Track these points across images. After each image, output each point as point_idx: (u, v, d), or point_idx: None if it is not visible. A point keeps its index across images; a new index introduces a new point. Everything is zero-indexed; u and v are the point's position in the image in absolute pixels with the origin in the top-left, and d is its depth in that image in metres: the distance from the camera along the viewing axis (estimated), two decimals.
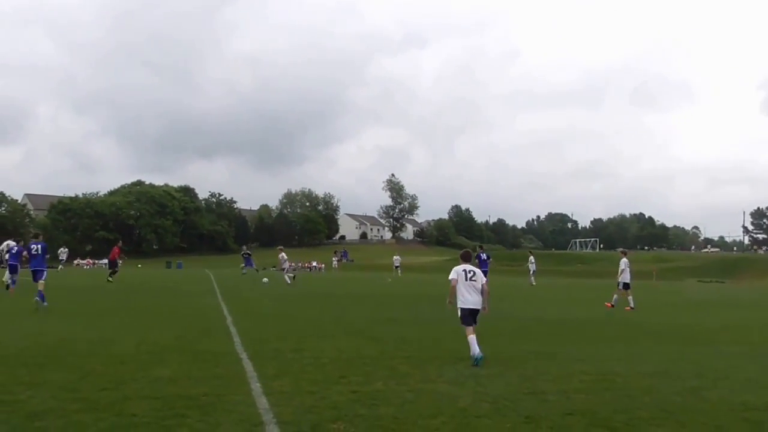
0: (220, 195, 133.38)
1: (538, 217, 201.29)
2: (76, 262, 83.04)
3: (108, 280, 29.93)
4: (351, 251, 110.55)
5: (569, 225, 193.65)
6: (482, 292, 9.37)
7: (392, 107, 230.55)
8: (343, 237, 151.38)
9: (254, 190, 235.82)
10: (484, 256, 28.86)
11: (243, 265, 42.47)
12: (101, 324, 12.75)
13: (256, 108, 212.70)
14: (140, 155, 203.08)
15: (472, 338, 9.10)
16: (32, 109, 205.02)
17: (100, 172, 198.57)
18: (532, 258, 40.96)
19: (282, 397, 6.56)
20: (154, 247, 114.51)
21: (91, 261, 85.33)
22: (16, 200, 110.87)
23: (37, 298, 15.76)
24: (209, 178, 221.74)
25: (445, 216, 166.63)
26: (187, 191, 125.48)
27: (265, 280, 32.75)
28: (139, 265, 73.08)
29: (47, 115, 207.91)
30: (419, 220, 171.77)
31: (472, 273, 9.44)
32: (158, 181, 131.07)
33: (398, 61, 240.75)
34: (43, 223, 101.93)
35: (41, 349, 9.22)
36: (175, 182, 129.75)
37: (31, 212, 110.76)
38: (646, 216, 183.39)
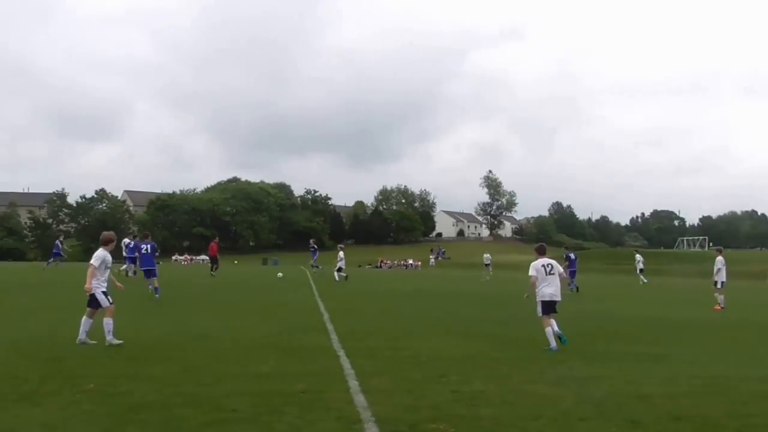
0: (315, 191, 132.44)
1: (643, 214, 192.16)
2: (174, 257, 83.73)
3: (211, 275, 31.10)
4: (448, 249, 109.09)
5: (676, 222, 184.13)
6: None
7: (489, 102, 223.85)
8: (439, 234, 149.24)
9: (349, 187, 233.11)
10: (572, 256, 28.80)
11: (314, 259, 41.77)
12: (200, 319, 13.09)
13: (351, 104, 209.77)
14: (236, 152, 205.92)
15: (549, 330, 9.73)
16: (132, 107, 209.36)
17: (197, 168, 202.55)
18: (638, 256, 39.25)
19: (380, 395, 6.42)
20: (251, 243, 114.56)
21: (189, 257, 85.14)
22: (117, 196, 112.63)
23: (153, 291, 17.88)
24: (304, 174, 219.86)
25: (545, 213, 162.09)
26: (283, 188, 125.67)
27: (280, 274, 33.08)
28: (236, 262, 73.57)
29: (146, 113, 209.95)
30: (518, 218, 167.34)
31: (550, 267, 10.02)
32: (254, 177, 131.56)
33: (495, 54, 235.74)
34: (141, 219, 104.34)
35: (143, 343, 9.51)
36: (271, 179, 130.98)
37: (131, 208, 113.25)
38: (759, 213, 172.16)
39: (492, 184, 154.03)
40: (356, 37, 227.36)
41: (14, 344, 9.16)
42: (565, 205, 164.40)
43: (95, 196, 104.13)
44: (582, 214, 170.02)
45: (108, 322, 9.21)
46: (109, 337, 9.16)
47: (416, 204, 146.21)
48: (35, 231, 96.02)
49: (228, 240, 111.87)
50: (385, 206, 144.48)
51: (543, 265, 9.95)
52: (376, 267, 75.97)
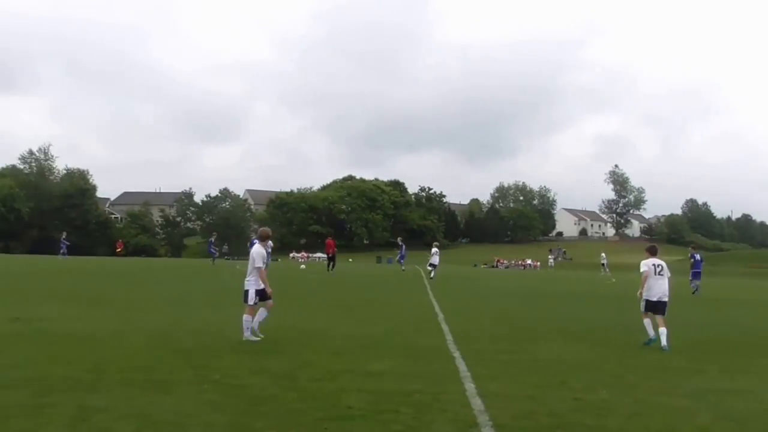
0: (429, 189, 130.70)
1: None
2: (291, 255, 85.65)
3: (329, 272, 31.86)
4: (569, 248, 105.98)
5: None
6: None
7: (610, 94, 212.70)
8: (560, 233, 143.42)
9: (464, 185, 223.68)
10: (698, 256, 27.12)
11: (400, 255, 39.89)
12: (315, 316, 13.36)
13: (466, 99, 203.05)
14: (350, 150, 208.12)
15: (648, 322, 10.18)
16: (252, 109, 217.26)
17: (313, 167, 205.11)
18: None
19: (497, 399, 6.23)
20: (365, 241, 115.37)
21: (306, 254, 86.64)
22: (239, 195, 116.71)
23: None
24: (418, 172, 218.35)
25: (678, 211, 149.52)
26: (397, 185, 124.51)
27: (303, 266, 32.96)
28: (350, 260, 73.82)
29: (265, 115, 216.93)
30: (647, 216, 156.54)
31: (660, 267, 10.32)
32: (368, 175, 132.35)
33: (620, 43, 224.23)
34: (261, 217, 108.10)
35: (262, 338, 9.79)
36: (385, 176, 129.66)
37: (252, 207, 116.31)
38: None
39: (618, 180, 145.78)
40: (471, 30, 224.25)
41: (147, 335, 9.73)
42: (700, 202, 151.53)
43: (219, 195, 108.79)
44: (720, 213, 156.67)
45: (247, 319, 9.47)
46: (247, 334, 9.41)
47: (535, 201, 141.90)
48: (165, 228, 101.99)
49: (343, 238, 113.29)
50: (501, 204, 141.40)
51: (653, 264, 10.29)
52: (492, 267, 75.05)
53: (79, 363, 7.45)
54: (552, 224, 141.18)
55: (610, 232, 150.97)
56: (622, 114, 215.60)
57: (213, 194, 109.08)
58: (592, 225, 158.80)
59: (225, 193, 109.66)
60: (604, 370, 7.99)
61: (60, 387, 6.28)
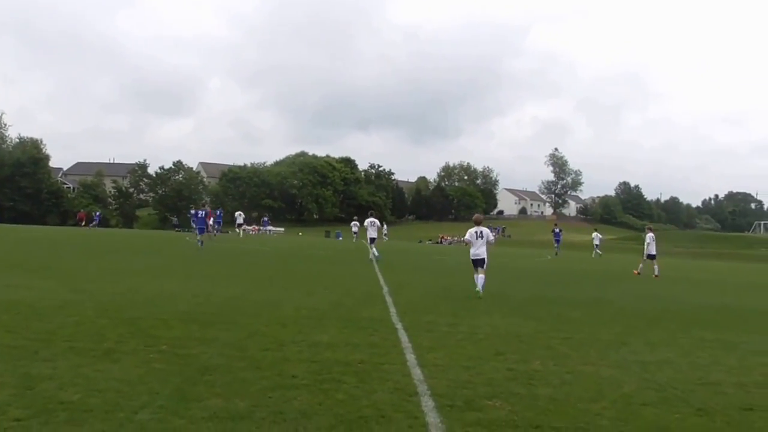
0: (379, 166, 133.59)
1: (717, 196, 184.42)
2: (243, 227, 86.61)
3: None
4: (509, 226, 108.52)
5: (753, 205, 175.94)
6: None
7: (552, 79, 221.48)
8: (501, 212, 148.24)
9: (412, 163, 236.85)
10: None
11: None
12: (265, 287, 13.52)
13: (414, 80, 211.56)
14: (302, 126, 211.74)
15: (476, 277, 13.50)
16: (205, 83, 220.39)
17: (266, 143, 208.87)
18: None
19: (436, 369, 6.53)
20: (315, 216, 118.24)
21: (257, 227, 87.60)
22: (192, 168, 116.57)
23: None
24: (368, 149, 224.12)
25: (612, 192, 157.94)
26: (348, 162, 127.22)
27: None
28: (300, 233, 76.61)
29: (218, 90, 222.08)
30: (582, 197, 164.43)
31: (480, 233, 13.56)
32: (320, 152, 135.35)
33: (558, 30, 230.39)
34: (214, 190, 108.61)
35: (211, 308, 9.93)
36: (336, 153, 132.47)
37: (205, 180, 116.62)
38: None
39: (558, 163, 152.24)
40: (419, 13, 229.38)
41: (96, 305, 9.69)
42: (632, 184, 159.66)
43: (173, 167, 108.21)
44: (650, 195, 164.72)
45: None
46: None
47: (478, 181, 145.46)
48: (118, 199, 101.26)
49: (294, 212, 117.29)
50: (447, 183, 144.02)
51: (475, 232, 13.51)
52: (437, 243, 76.10)
53: (25, 332, 7.42)
54: (494, 203, 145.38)
55: (549, 211, 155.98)
56: (562, 98, 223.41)
57: (167, 166, 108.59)
58: (531, 204, 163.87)
59: (178, 166, 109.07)
60: (538, 343, 8.41)
61: (4, 356, 6.27)
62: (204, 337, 7.64)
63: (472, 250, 13.57)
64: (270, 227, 71.91)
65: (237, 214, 54.74)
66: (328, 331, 8.43)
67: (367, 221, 26.04)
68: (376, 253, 24.45)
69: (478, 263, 13.46)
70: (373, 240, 25.18)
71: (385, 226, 40.61)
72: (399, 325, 9.09)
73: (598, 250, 45.28)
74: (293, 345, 7.42)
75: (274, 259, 24.26)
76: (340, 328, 8.65)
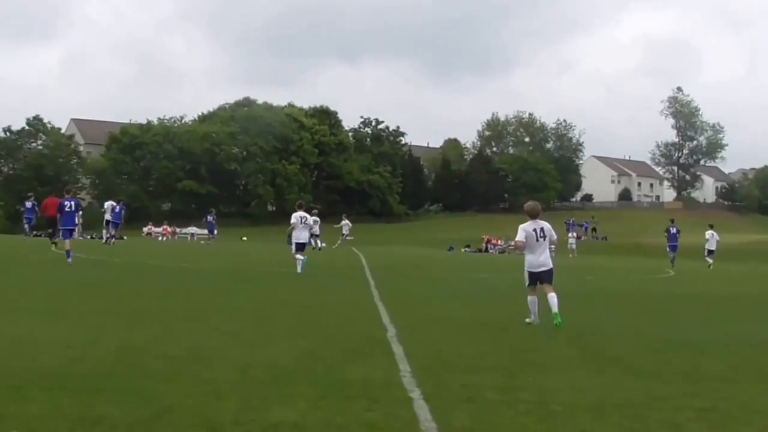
0: (378, 122, 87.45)
1: None
2: (146, 229, 55.98)
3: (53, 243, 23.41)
4: (602, 220, 70.58)
5: None
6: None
7: None
8: (588, 197, 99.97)
9: (431, 117, 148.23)
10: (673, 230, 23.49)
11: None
12: (188, 329, 9.13)
13: None
14: (244, 58, 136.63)
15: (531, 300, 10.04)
16: None
17: (183, 84, 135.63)
18: None
19: None
20: (270, 208, 79.18)
21: (168, 229, 54.14)
22: (59, 129, 79.45)
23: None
24: (357, 95, 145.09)
25: None
26: (325, 115, 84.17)
27: (245, 237, 29.35)
28: (244, 238, 52.76)
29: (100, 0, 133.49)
30: (726, 169, 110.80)
31: (541, 231, 10.09)
32: (276, 99, 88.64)
33: None
34: (98, 165, 74.60)
35: (96, 366, 6.48)
36: (304, 102, 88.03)
37: (80, 148, 78.97)
38: None
39: (682, 113, 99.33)
40: None
41: None
42: None
43: (27, 127, 74.29)
44: None
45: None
46: None
47: (549, 145, 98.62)
48: None
49: (235, 202, 79.62)
50: (494, 148, 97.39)
51: (534, 230, 9.75)
52: (479, 250, 50.67)
53: None
54: (576, 182, 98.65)
55: (669, 195, 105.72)
56: (683, 6, 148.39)
57: (16, 127, 73.89)
58: (639, 184, 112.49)
59: (36, 125, 74.33)
60: (652, 417, 5.28)
61: None
62: (82, 415, 4.86)
63: (529, 258, 9.99)
64: (194, 229, 52.82)
65: (107, 204, 31.71)
66: (296, 404, 5.27)
67: (297, 215, 19.01)
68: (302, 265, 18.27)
69: (542, 277, 9.87)
70: (302, 246, 18.84)
71: (345, 221, 35.38)
72: (415, 393, 5.68)
73: (708, 258, 32.48)
74: (235, 429, 4.67)
75: (202, 283, 17.10)
76: (314, 400, 5.40)
